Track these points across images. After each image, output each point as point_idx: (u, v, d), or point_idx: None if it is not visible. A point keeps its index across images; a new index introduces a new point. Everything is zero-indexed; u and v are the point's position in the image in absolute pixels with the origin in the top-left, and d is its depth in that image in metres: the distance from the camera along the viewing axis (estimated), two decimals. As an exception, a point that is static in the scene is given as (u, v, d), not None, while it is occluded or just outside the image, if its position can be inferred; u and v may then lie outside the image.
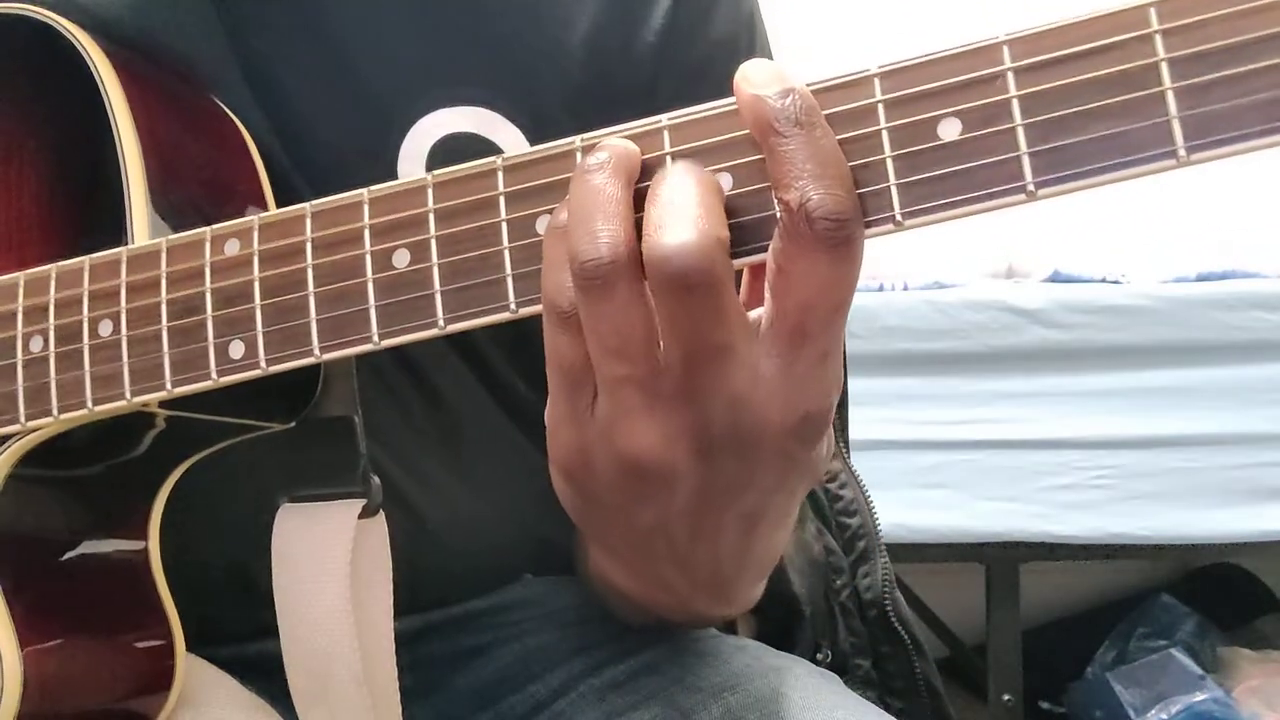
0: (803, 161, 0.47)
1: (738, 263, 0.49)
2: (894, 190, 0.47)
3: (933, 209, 0.46)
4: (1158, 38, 0.43)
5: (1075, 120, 0.44)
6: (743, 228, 0.49)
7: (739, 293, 0.55)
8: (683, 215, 0.47)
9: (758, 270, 0.51)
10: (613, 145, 0.51)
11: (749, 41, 0.82)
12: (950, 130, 0.46)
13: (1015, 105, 0.45)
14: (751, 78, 0.49)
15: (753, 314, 0.50)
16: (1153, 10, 0.43)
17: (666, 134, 0.51)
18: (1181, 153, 0.43)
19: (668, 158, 0.51)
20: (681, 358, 0.48)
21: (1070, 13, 0.45)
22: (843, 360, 0.51)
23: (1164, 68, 0.43)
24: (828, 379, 0.50)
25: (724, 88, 0.51)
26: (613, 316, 0.48)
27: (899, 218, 0.47)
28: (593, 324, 0.49)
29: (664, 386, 0.49)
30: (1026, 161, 0.45)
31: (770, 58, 0.84)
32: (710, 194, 0.48)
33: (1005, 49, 0.46)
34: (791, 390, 0.49)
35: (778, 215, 0.48)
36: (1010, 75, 0.45)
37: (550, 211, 0.52)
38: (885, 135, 0.47)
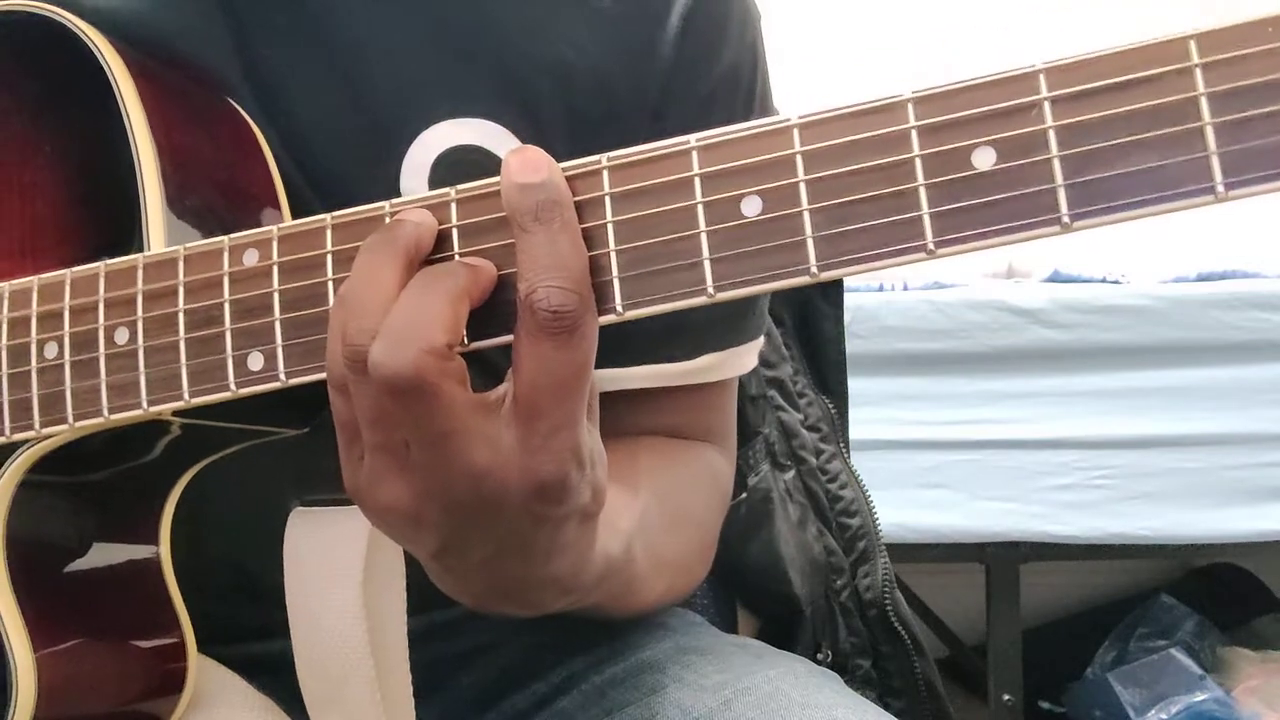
0: (535, 256, 0.51)
1: (479, 345, 0.54)
2: (927, 219, 0.46)
3: (966, 239, 0.46)
4: (1198, 71, 0.43)
5: (1112, 153, 0.44)
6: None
7: None
8: (396, 325, 0.51)
9: None
10: (404, 221, 0.55)
11: (751, 70, 0.83)
12: (985, 160, 0.46)
13: (1052, 136, 0.45)
14: (511, 166, 0.52)
15: (500, 389, 0.54)
16: (1193, 43, 0.43)
17: (695, 155, 0.51)
18: (1220, 189, 0.43)
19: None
20: (410, 442, 0.53)
21: (1105, 42, 0.45)
22: (581, 433, 0.54)
23: (1203, 102, 0.43)
24: (562, 450, 0.53)
25: (729, 117, 0.52)
26: (368, 393, 0.52)
27: (931, 247, 0.47)
28: (355, 394, 0.53)
29: (411, 457, 0.53)
30: (1062, 194, 0.45)
31: (769, 86, 0.85)
32: (441, 302, 0.52)
33: (1042, 78, 0.45)
34: (528, 461, 0.52)
35: (519, 303, 0.51)
36: (1047, 105, 0.45)
37: None
38: (919, 163, 0.47)
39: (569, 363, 0.51)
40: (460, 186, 0.55)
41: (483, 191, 0.54)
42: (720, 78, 0.79)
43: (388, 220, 0.56)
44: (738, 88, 0.81)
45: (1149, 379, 2.09)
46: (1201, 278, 2.15)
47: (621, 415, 0.80)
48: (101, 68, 0.66)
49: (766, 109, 0.85)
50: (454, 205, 0.55)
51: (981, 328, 2.09)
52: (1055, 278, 2.22)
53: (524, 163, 0.52)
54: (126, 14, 0.71)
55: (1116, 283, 2.16)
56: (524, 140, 0.75)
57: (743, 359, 0.86)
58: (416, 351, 0.50)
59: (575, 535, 0.58)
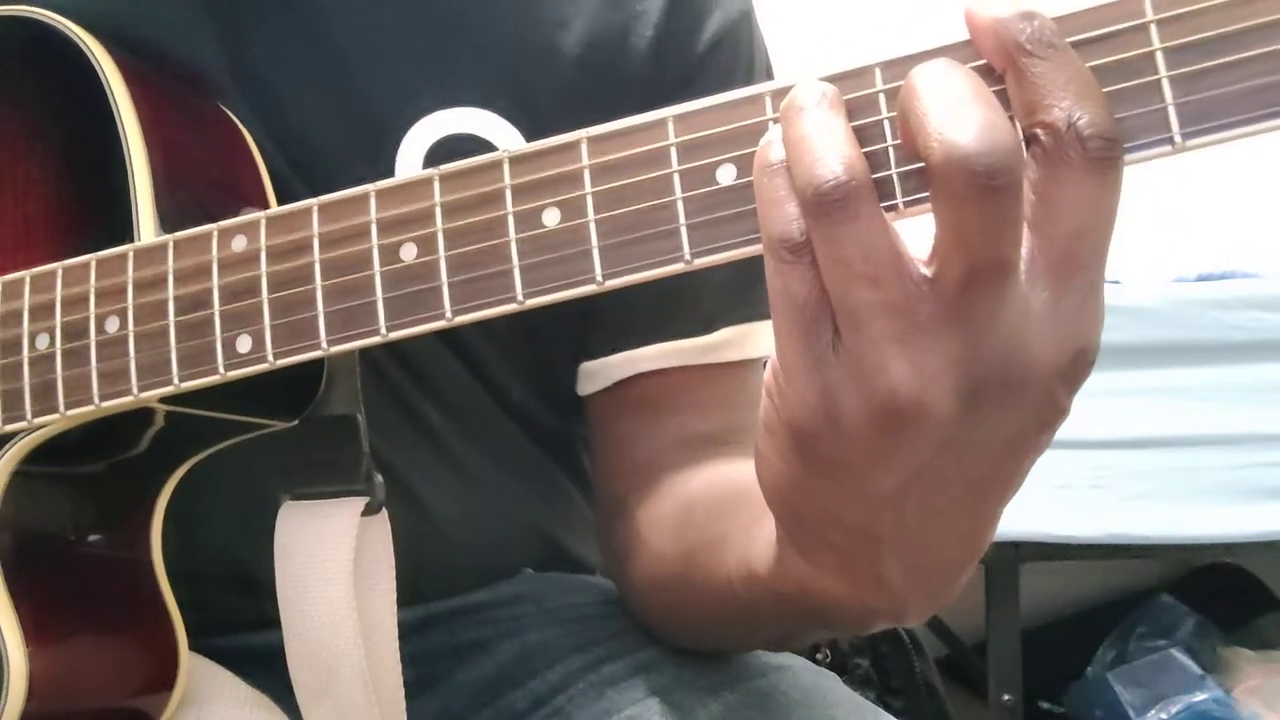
0: (1064, 82, 0.44)
1: (915, 211, 0.47)
2: (895, 179, 0.47)
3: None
4: (1153, 27, 0.44)
5: None
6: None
7: None
8: (975, 106, 0.44)
9: None
10: (820, 83, 0.48)
11: (749, 35, 0.83)
12: None
13: None
14: (983, 4, 0.46)
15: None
16: (1147, 1, 0.44)
17: (671, 124, 0.51)
18: (1178, 139, 0.44)
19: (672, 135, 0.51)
20: (961, 277, 0.44)
21: (1067, 4, 0.45)
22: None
23: (1159, 57, 0.44)
24: (1097, 312, 0.46)
25: (722, 84, 0.52)
26: (858, 239, 0.45)
27: (901, 207, 0.47)
28: (835, 251, 0.45)
29: (924, 312, 0.45)
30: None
31: (767, 53, 0.84)
32: (984, 86, 0.45)
33: None
34: (1063, 325, 0.45)
35: (1039, 140, 0.44)
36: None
37: (559, 204, 0.52)
38: (886, 125, 0.47)
39: (1113, 204, 0.45)
40: (443, 166, 0.56)
41: (465, 170, 0.55)
42: (712, 43, 0.80)
43: (372, 200, 0.56)
44: (735, 55, 0.81)
45: (1149, 379, 2.08)
46: (1201, 278, 2.15)
47: (648, 427, 0.80)
48: (94, 68, 0.67)
49: (767, 75, 0.85)
50: (437, 183, 0.55)
51: (981, 328, 2.08)
52: (1055, 278, 2.21)
53: (1007, 1, 0.46)
54: (110, 14, 0.71)
55: (1116, 283, 2.16)
56: (518, 125, 0.76)
57: (761, 338, 0.81)
58: (1012, 134, 0.44)
59: (1036, 457, 0.50)
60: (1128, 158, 0.44)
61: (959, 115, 0.43)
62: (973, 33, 0.46)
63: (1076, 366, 0.46)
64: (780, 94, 0.49)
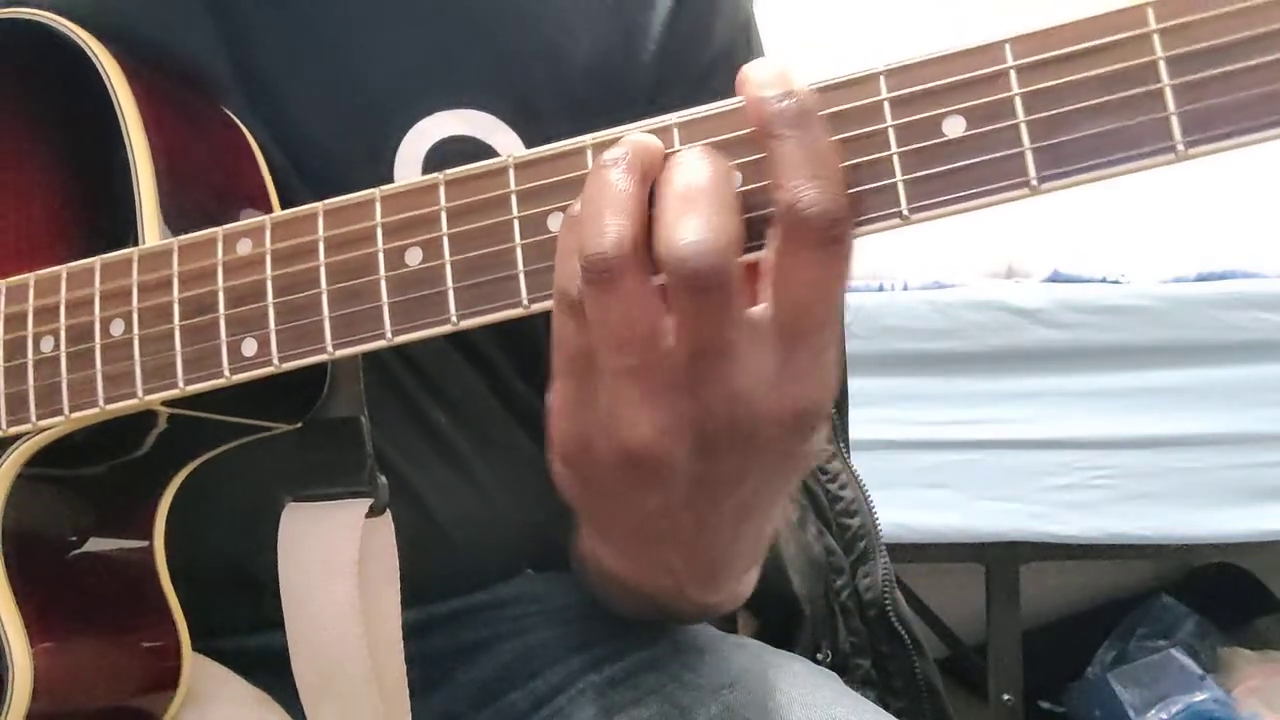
0: (798, 163, 0.48)
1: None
2: (900, 186, 0.48)
3: (938, 204, 0.48)
4: (1155, 37, 0.45)
5: (1077, 117, 0.46)
6: (749, 224, 0.50)
7: None
8: (699, 212, 0.48)
9: (752, 266, 0.52)
10: (632, 141, 0.51)
11: (745, 46, 0.83)
12: (955, 127, 0.47)
13: (1018, 102, 0.46)
14: (754, 78, 0.50)
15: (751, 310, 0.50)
16: (1150, 10, 0.45)
17: (676, 131, 0.52)
18: (1180, 147, 0.44)
19: (677, 143, 0.52)
20: (688, 354, 0.49)
21: (1071, 12, 0.46)
22: (841, 355, 0.52)
23: (1162, 66, 0.45)
24: (824, 374, 0.50)
25: (725, 94, 0.52)
26: (615, 309, 0.49)
27: (905, 213, 0.48)
28: (597, 315, 0.50)
29: (665, 379, 0.50)
30: (1030, 157, 0.46)
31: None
32: (724, 185, 0.49)
33: (1008, 48, 0.47)
34: (788, 386, 0.50)
35: (775, 215, 0.48)
36: (1013, 73, 0.47)
37: (563, 209, 0.53)
38: (891, 133, 0.48)
39: (837, 278, 0.48)
40: (448, 171, 0.56)
41: (471, 175, 0.55)
42: (715, 53, 0.80)
43: (377, 204, 0.57)
44: (733, 64, 0.81)
45: (1149, 379, 2.09)
46: (1201, 278, 2.16)
47: None
48: (96, 69, 0.66)
49: None
50: (442, 188, 0.55)
51: (981, 328, 2.09)
52: (1055, 278, 2.22)
53: (772, 74, 0.50)
54: (110, 14, 0.71)
55: (1116, 283, 2.16)
56: (518, 129, 0.76)
57: None
58: (726, 239, 0.47)
59: (790, 487, 0.56)
60: (1133, 165, 0.45)
61: (685, 216, 0.48)
62: (746, 104, 0.50)
63: (801, 422, 0.51)
64: (602, 146, 0.52)
